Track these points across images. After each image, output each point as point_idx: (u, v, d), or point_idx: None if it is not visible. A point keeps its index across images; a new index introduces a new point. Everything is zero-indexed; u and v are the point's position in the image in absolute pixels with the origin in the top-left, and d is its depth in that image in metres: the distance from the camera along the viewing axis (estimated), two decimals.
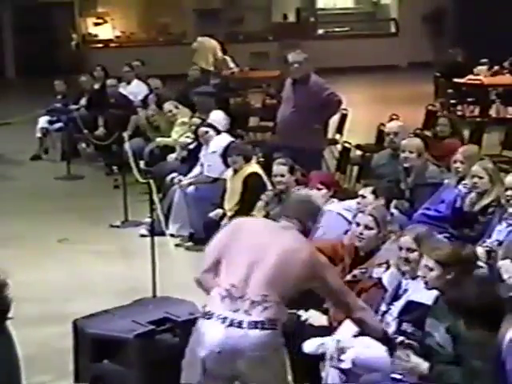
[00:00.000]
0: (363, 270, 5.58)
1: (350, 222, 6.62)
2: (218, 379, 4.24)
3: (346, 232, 6.41)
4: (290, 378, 4.76)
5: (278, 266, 4.32)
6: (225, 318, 4.22)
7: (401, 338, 4.87)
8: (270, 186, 8.00)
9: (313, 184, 6.96)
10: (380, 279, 5.37)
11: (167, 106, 11.47)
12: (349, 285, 5.50)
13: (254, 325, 4.20)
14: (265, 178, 8.22)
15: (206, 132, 9.47)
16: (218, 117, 10.37)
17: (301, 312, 5.62)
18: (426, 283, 4.79)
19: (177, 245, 8.78)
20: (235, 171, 8.52)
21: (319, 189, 6.83)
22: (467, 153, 7.38)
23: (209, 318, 4.28)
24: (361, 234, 5.66)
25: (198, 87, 12.57)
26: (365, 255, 5.67)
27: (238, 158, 8.47)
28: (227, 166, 8.74)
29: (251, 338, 4.19)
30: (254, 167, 8.46)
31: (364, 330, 4.76)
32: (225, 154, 8.79)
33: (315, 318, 5.56)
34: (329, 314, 5.51)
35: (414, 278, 5.03)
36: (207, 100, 11.49)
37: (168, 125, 11.36)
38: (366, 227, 5.66)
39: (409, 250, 5.14)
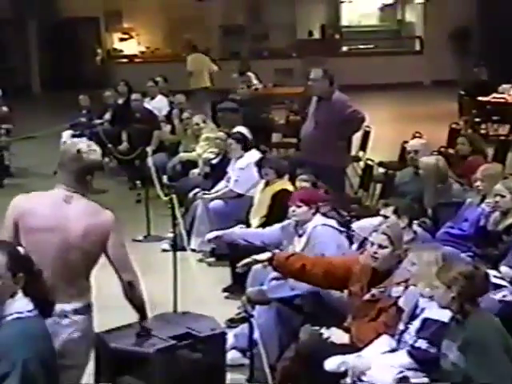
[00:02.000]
0: (382, 289, 5.55)
1: (339, 230, 6.63)
2: None
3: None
4: None
5: None
6: None
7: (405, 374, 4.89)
8: None
9: (292, 202, 6.92)
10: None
11: (196, 118, 11.55)
12: (367, 304, 5.50)
13: None
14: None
15: (230, 144, 9.51)
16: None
17: (323, 330, 5.60)
18: (436, 302, 4.80)
19: (199, 260, 8.78)
20: (266, 184, 8.50)
21: (299, 206, 6.80)
22: (487, 171, 7.34)
23: None
24: (375, 253, 5.63)
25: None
26: (382, 274, 5.63)
27: (269, 170, 8.45)
28: (261, 177, 8.74)
29: None
30: (285, 184, 8.40)
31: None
32: (259, 166, 8.80)
33: (337, 335, 5.54)
34: (350, 333, 5.49)
35: (430, 297, 5.02)
36: (231, 116, 11.51)
37: (194, 137, 11.44)
38: (380, 246, 5.62)
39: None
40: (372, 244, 5.69)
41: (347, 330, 5.55)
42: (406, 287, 5.36)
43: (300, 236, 6.78)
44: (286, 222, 7.09)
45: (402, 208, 6.52)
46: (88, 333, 4.71)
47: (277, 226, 7.19)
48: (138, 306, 4.95)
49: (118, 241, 4.75)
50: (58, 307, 4.36)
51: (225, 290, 8.02)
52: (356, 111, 9.27)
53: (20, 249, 4.11)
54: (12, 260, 3.94)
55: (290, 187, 8.24)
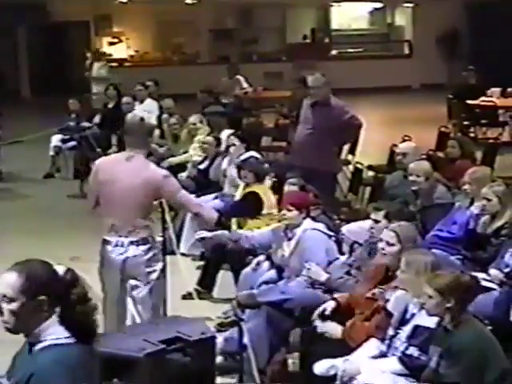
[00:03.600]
0: (381, 290, 5.59)
1: (329, 236, 6.64)
2: None
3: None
4: None
5: None
6: None
7: None
8: (267, 208, 7.94)
9: (283, 205, 6.93)
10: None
11: (193, 118, 11.59)
12: (367, 302, 5.54)
13: None
14: (265, 199, 8.09)
15: (233, 143, 9.58)
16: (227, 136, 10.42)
17: (317, 322, 5.64)
18: (426, 310, 4.80)
19: (188, 264, 8.77)
20: (246, 186, 8.52)
21: (289, 210, 6.80)
22: (474, 175, 7.35)
23: None
24: (382, 249, 5.68)
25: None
26: (392, 274, 5.65)
27: (248, 173, 8.47)
28: (239, 178, 8.76)
29: None
30: (262, 188, 8.40)
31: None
32: (239, 168, 8.80)
33: (331, 329, 5.58)
34: (345, 327, 5.51)
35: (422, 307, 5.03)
36: (219, 120, 11.52)
37: (189, 137, 11.45)
38: (388, 243, 5.66)
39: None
40: (381, 240, 5.75)
41: (342, 323, 5.61)
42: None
43: (289, 239, 6.79)
44: (276, 226, 7.10)
45: (392, 212, 6.53)
46: (147, 257, 5.94)
47: (267, 229, 7.19)
48: (210, 222, 6.31)
49: (172, 189, 5.99)
50: (121, 240, 5.89)
51: (184, 297, 7.95)
52: (354, 117, 9.27)
53: (58, 270, 3.73)
54: (30, 281, 3.56)
55: (266, 192, 8.21)
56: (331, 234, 6.79)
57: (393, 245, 5.64)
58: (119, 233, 5.91)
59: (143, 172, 5.89)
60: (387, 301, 5.38)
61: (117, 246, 5.92)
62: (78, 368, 3.52)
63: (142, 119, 6.03)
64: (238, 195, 8.64)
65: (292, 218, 6.78)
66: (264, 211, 7.79)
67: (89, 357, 3.62)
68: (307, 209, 6.85)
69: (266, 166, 9.01)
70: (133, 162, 5.92)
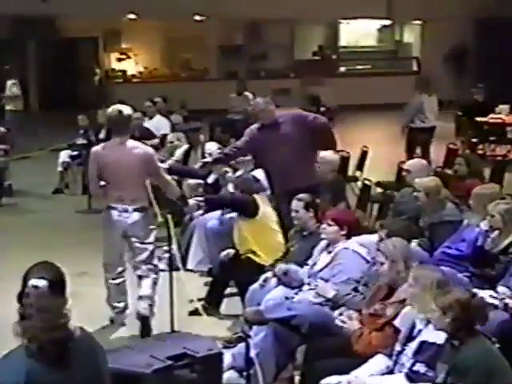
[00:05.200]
0: (382, 306, 5.59)
1: (367, 261, 6.61)
2: None
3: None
4: None
5: None
6: None
7: None
8: (261, 213, 7.97)
9: (325, 219, 6.94)
10: (394, 318, 5.40)
11: (170, 136, 11.68)
12: (371, 318, 5.55)
13: None
14: (260, 203, 8.08)
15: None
16: (212, 148, 10.42)
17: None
18: (434, 325, 4.81)
19: (195, 280, 8.77)
20: None
21: (330, 225, 6.81)
22: (477, 191, 7.36)
23: None
24: (376, 270, 5.75)
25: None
26: (392, 290, 5.69)
27: (237, 191, 8.49)
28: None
29: None
30: (256, 196, 8.35)
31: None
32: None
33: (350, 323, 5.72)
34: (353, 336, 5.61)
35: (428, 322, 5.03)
36: (196, 135, 11.46)
37: (168, 155, 11.52)
38: (381, 263, 5.76)
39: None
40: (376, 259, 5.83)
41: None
42: (402, 307, 5.39)
43: (329, 252, 6.78)
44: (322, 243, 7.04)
45: (394, 231, 6.53)
46: (144, 220, 7.49)
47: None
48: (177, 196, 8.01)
49: (157, 168, 7.58)
50: (125, 207, 7.40)
51: (191, 313, 7.93)
52: (317, 117, 9.12)
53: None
54: None
55: (263, 200, 8.19)
56: (369, 259, 6.72)
57: (382, 263, 5.66)
58: (124, 202, 7.39)
59: (136, 150, 7.41)
60: (395, 317, 5.39)
61: (123, 211, 7.40)
62: None
63: (119, 111, 7.41)
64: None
65: (331, 233, 6.78)
66: (259, 215, 7.83)
67: None
68: (348, 226, 6.83)
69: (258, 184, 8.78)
70: (125, 144, 7.38)
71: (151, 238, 7.57)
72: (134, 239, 7.53)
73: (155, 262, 7.67)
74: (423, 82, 13.91)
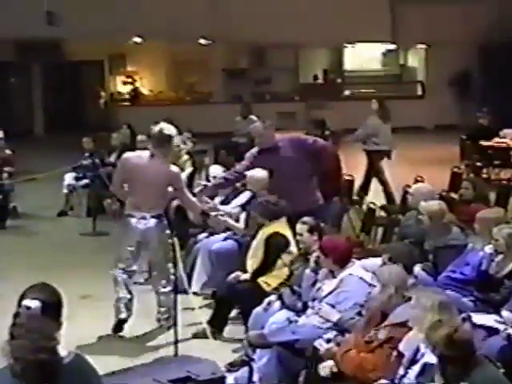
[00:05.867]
0: (376, 331, 5.62)
1: (370, 285, 6.58)
2: None
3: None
4: None
5: None
6: None
7: None
8: (293, 246, 7.90)
9: (323, 247, 6.90)
10: (386, 341, 5.43)
11: (176, 140, 11.67)
12: (366, 345, 5.54)
13: None
14: (289, 236, 8.07)
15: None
16: (216, 171, 10.41)
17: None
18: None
19: (199, 303, 8.75)
20: (260, 228, 8.42)
21: (325, 255, 6.78)
22: (482, 215, 7.36)
23: None
24: (369, 292, 5.74)
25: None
26: (385, 315, 5.69)
27: (259, 215, 8.42)
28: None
29: None
30: (279, 226, 8.31)
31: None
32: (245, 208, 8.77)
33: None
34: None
35: None
36: (202, 157, 11.46)
37: (175, 159, 11.50)
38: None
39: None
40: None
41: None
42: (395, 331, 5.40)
43: (334, 277, 6.75)
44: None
45: (395, 255, 6.52)
46: (160, 227, 7.99)
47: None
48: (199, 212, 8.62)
49: (181, 184, 8.26)
50: (143, 214, 7.91)
51: (195, 335, 7.90)
52: (316, 140, 9.14)
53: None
54: None
55: (284, 228, 8.13)
56: (374, 284, 6.67)
57: (374, 286, 5.70)
58: (142, 209, 7.92)
59: (162, 167, 7.99)
60: (387, 340, 5.38)
61: (141, 218, 7.93)
62: None
63: (161, 129, 8.07)
64: (258, 237, 8.47)
65: (324, 263, 6.77)
66: (292, 248, 7.77)
67: None
68: (345, 256, 6.79)
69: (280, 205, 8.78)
70: (155, 158, 7.99)
71: (166, 246, 7.94)
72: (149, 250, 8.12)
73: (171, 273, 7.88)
74: (384, 109, 14.10)
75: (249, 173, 8.86)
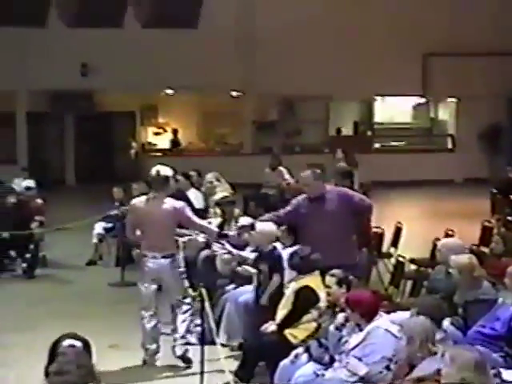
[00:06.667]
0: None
1: (398, 338, 6.51)
2: None
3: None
4: None
5: None
6: None
7: None
8: (323, 302, 7.85)
9: (349, 301, 6.85)
10: None
11: (209, 176, 11.75)
12: None
13: None
14: (319, 291, 8.02)
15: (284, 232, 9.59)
16: (245, 222, 10.40)
17: None
18: None
19: (226, 354, 8.71)
20: (297, 278, 8.40)
21: (352, 310, 6.75)
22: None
23: None
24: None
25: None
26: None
27: (292, 267, 8.40)
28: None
29: None
30: (312, 280, 8.26)
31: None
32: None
33: None
34: None
35: None
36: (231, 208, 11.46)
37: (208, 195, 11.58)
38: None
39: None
40: None
41: None
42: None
43: (361, 330, 6.70)
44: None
45: (424, 309, 6.47)
46: (173, 264, 8.53)
47: None
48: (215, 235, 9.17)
49: (189, 215, 8.65)
50: (154, 254, 8.45)
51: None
52: (363, 198, 9.19)
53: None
54: None
55: (316, 282, 8.09)
56: (400, 336, 6.61)
57: (401, 339, 5.64)
58: (154, 249, 8.44)
59: (166, 205, 8.48)
60: None
61: (153, 258, 8.46)
62: None
63: (158, 171, 8.58)
64: (290, 288, 8.44)
65: (351, 318, 6.74)
66: (321, 303, 7.72)
67: None
68: (371, 310, 6.76)
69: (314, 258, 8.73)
70: (156, 200, 8.50)
71: (180, 281, 8.60)
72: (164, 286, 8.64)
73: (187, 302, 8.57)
74: (351, 157, 14.30)
75: (258, 226, 8.94)
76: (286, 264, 8.57)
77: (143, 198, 8.79)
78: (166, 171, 8.67)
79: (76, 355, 4.01)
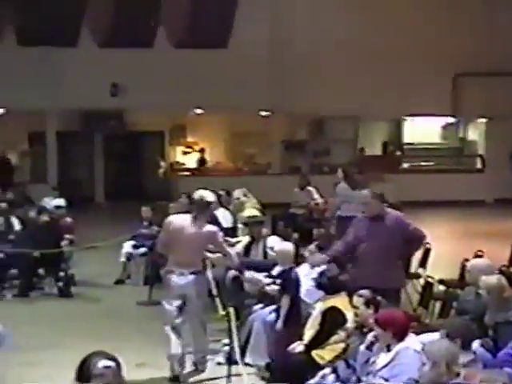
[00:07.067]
0: None
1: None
2: None
3: None
4: None
5: None
6: None
7: None
8: (350, 323, 7.80)
9: (378, 321, 6.80)
10: None
11: (237, 193, 11.78)
12: None
13: None
14: (347, 312, 7.99)
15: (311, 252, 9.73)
16: (274, 242, 10.37)
17: None
18: None
19: (253, 374, 8.68)
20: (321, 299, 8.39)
21: (384, 329, 6.69)
22: None
23: None
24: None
25: None
26: None
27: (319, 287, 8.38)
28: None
29: None
30: (339, 300, 8.24)
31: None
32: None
33: None
34: None
35: None
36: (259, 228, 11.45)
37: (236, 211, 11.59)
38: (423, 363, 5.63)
39: None
40: None
41: None
42: None
43: (389, 350, 6.66)
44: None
45: (453, 330, 6.40)
46: (199, 281, 8.80)
47: None
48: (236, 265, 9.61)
49: (220, 240, 9.09)
50: (183, 271, 8.71)
51: None
52: (416, 229, 9.22)
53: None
54: None
55: (344, 304, 8.04)
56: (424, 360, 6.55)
57: (424, 364, 5.60)
58: (181, 266, 8.73)
59: (203, 229, 8.88)
60: None
61: (180, 274, 8.71)
62: None
63: (202, 197, 9.03)
64: (317, 308, 8.41)
65: (380, 337, 6.70)
66: (348, 324, 7.68)
67: None
68: (404, 330, 6.71)
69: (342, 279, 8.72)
70: (197, 221, 8.89)
71: (204, 299, 8.95)
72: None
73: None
74: (351, 178, 14.15)
75: (277, 246, 9.37)
76: (311, 283, 8.59)
77: (184, 216, 9.14)
78: (209, 197, 9.11)
79: (114, 376, 4.09)
